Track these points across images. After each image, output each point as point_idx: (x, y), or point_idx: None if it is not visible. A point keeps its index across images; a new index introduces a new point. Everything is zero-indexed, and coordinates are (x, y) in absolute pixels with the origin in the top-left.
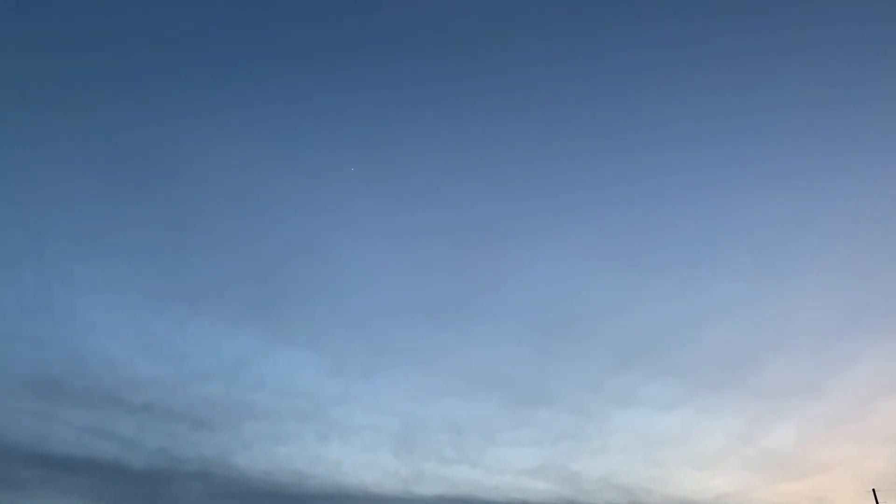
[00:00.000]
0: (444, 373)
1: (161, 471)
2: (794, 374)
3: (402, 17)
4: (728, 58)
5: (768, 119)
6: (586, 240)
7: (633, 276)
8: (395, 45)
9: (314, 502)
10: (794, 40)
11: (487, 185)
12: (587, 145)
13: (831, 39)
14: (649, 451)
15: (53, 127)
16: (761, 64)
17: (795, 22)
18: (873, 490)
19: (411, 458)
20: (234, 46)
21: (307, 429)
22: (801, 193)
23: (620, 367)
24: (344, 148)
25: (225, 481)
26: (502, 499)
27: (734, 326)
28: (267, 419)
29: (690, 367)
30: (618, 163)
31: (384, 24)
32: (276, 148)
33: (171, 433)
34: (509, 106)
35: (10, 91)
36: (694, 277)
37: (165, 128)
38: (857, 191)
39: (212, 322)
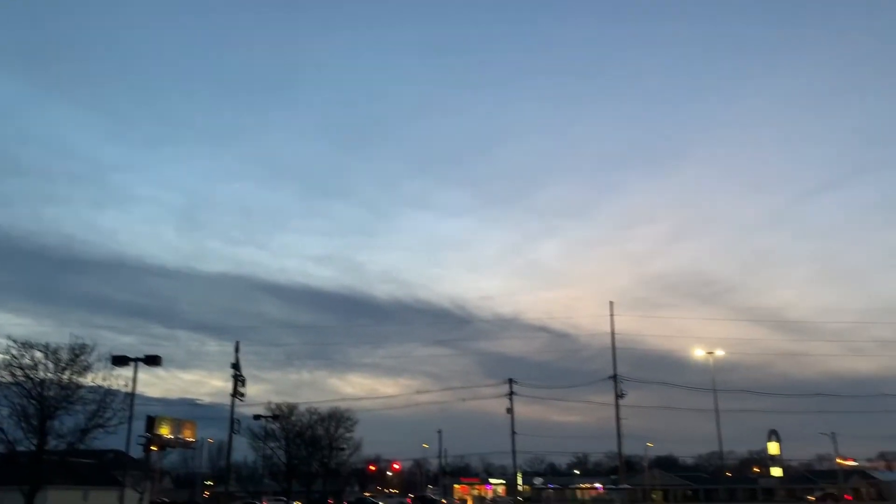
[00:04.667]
0: (240, 154)
1: None
2: (568, 197)
3: None
4: None
5: None
6: (399, 43)
7: (441, 84)
8: None
9: (86, 268)
10: None
11: None
12: None
13: None
14: (432, 252)
15: None
16: None
17: None
18: (611, 302)
19: (195, 235)
20: None
21: (81, 193)
22: (608, 30)
23: (416, 171)
24: None
25: None
26: (286, 281)
27: (526, 146)
28: (34, 177)
29: (481, 180)
30: None
31: None
32: None
33: None
34: None
35: None
36: (498, 94)
37: None
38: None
39: None
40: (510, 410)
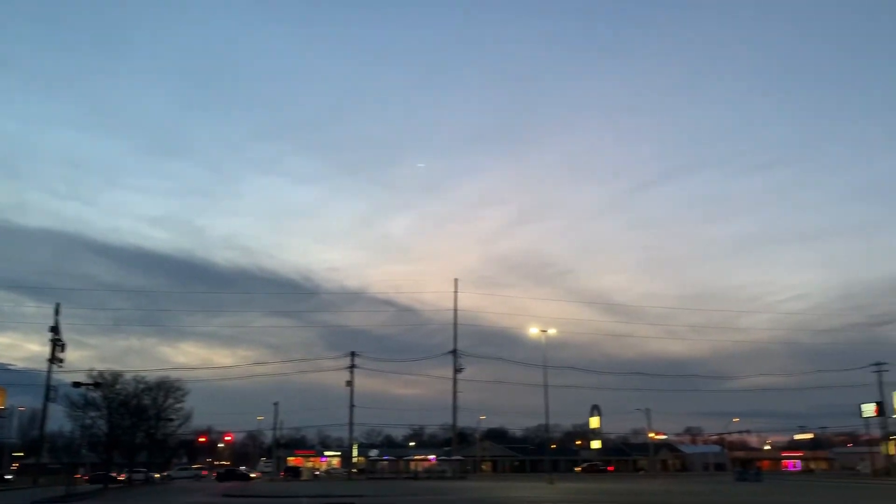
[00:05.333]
0: (69, 99)
1: None
2: (421, 173)
3: None
4: None
5: None
6: (260, 2)
7: (297, 47)
8: None
9: None
10: None
11: None
12: None
13: None
14: (279, 219)
15: None
16: None
17: None
18: (455, 279)
19: (14, 186)
20: None
21: None
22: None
23: (267, 134)
24: None
25: None
26: (118, 242)
27: (383, 118)
28: None
29: (335, 148)
30: None
31: None
32: None
33: None
34: None
35: None
36: (357, 63)
37: None
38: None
39: None
40: (350, 383)
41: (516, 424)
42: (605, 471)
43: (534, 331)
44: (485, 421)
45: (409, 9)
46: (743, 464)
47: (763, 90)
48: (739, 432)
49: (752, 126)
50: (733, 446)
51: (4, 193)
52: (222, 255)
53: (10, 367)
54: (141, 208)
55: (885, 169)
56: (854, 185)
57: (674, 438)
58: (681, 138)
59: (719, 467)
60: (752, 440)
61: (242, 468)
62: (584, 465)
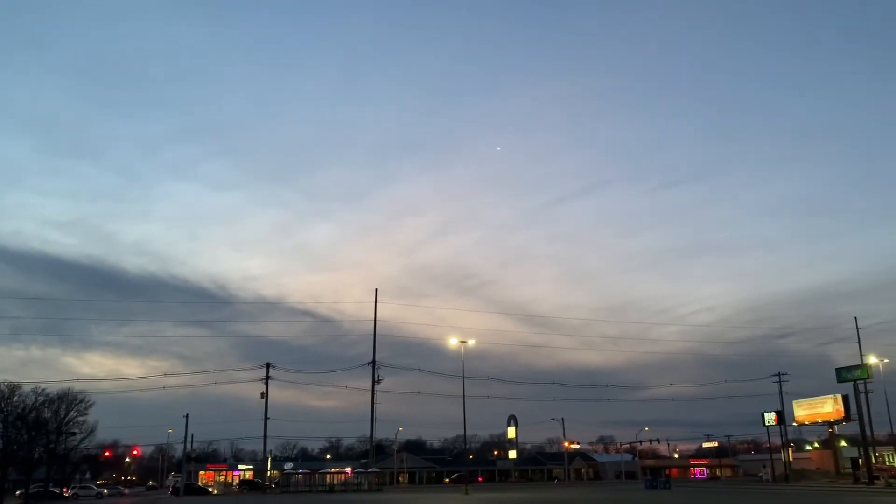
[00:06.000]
0: None
1: None
2: (342, 182)
3: None
4: None
5: None
6: (173, 2)
7: (213, 46)
8: None
9: None
10: None
11: None
12: None
13: None
14: (194, 226)
15: None
16: None
17: None
18: (375, 289)
19: None
20: None
21: None
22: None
23: (182, 138)
24: None
25: None
26: (18, 246)
27: (302, 125)
28: None
29: (253, 154)
30: None
31: None
32: None
33: None
34: None
35: None
36: (275, 69)
37: None
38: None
39: None
40: (265, 395)
41: (435, 435)
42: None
43: (453, 341)
44: (403, 432)
45: (329, 14)
46: (653, 472)
47: (673, 111)
48: (650, 441)
49: (664, 145)
50: (644, 454)
51: None
52: (133, 262)
53: None
54: (45, 212)
55: (788, 189)
56: (760, 203)
57: (587, 447)
58: (596, 156)
59: (630, 475)
60: (662, 448)
61: (174, 482)
62: (456, 475)
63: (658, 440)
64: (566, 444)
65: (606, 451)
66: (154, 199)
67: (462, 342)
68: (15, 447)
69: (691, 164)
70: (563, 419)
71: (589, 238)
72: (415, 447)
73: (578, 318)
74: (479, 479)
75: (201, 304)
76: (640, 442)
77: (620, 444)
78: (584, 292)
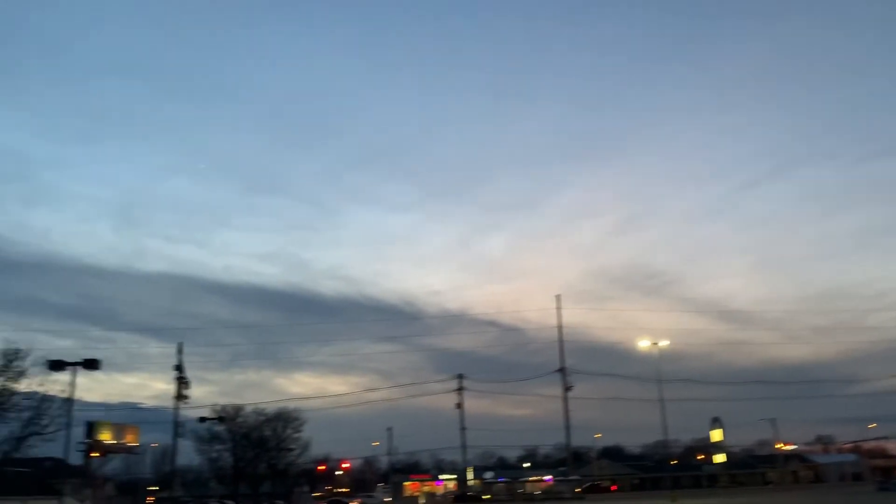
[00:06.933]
0: (176, 149)
1: None
2: (513, 191)
3: None
4: None
5: None
6: (335, 34)
7: (378, 76)
8: None
9: (18, 270)
10: None
11: None
12: None
13: None
14: (378, 247)
15: None
16: None
17: None
18: (557, 295)
19: (133, 234)
20: None
21: (9, 191)
22: (552, 25)
23: (359, 165)
24: None
25: None
26: (230, 280)
27: (469, 138)
28: None
29: (425, 174)
30: None
31: None
32: None
33: None
34: None
35: None
36: (436, 85)
37: None
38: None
39: None
40: (460, 405)
41: (633, 441)
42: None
43: (644, 344)
44: (600, 439)
45: (486, 25)
46: (884, 472)
47: (869, 72)
48: (877, 439)
49: (858, 115)
50: (871, 454)
51: (125, 242)
52: (328, 286)
53: (140, 405)
54: (249, 246)
55: None
56: None
57: (804, 448)
58: (782, 134)
59: (857, 477)
60: (893, 447)
61: (381, 492)
62: (587, 484)
63: (886, 438)
64: (780, 445)
65: (826, 451)
66: (341, 225)
67: (654, 344)
68: (243, 464)
69: (891, 133)
70: (773, 419)
71: (782, 223)
72: (613, 454)
73: (780, 310)
74: (613, 487)
75: (393, 321)
76: (866, 440)
77: (842, 444)
78: (783, 282)
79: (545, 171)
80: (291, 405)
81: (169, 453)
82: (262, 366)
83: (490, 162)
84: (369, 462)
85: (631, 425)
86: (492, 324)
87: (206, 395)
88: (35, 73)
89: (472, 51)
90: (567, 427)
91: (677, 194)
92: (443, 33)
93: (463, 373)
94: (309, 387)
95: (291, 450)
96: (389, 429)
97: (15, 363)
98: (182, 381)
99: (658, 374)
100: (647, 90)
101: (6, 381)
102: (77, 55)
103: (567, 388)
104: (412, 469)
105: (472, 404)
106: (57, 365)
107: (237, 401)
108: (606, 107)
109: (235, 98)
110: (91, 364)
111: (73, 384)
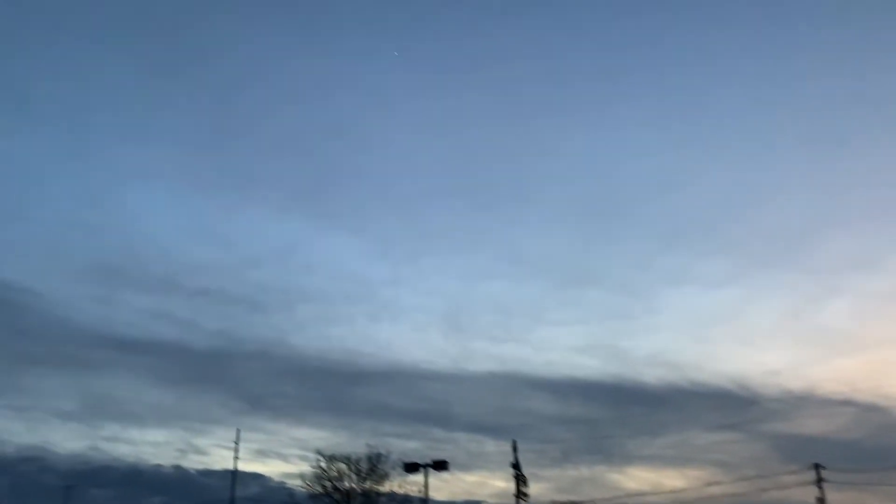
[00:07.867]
0: (490, 255)
1: (221, 351)
2: (849, 249)
3: None
4: None
5: None
6: (632, 116)
7: (683, 151)
8: None
9: (367, 379)
10: None
11: (531, 65)
12: (631, 20)
13: None
14: (698, 328)
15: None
16: None
17: None
18: None
19: (460, 338)
20: None
21: (357, 310)
22: (855, 66)
23: (669, 246)
24: (386, 32)
25: (282, 360)
26: (552, 375)
27: (787, 201)
28: (318, 301)
29: (741, 245)
30: (666, 39)
31: None
32: (316, 31)
33: (227, 316)
34: None
35: None
36: (746, 151)
37: (199, 7)
38: None
39: (259, 208)
40: (822, 500)
41: None
42: None
43: None
44: None
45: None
46: None
47: None
48: None
49: None
50: None
51: (454, 346)
52: (651, 374)
53: (483, 503)
54: (567, 340)
55: None
56: None
57: None
58: None
59: None
60: None
61: None
62: None
63: None
64: None
65: None
66: (656, 310)
67: None
68: None
69: None
70: None
71: None
72: None
73: None
74: None
75: (727, 406)
76: None
77: None
78: None
79: (883, 221)
80: (630, 502)
81: None
82: (593, 460)
83: (813, 220)
84: None
85: None
86: (846, 403)
87: (542, 491)
88: (370, 204)
89: (779, 102)
90: None
91: None
92: (745, 93)
93: (819, 462)
94: (643, 481)
95: None
96: None
97: (378, 466)
98: (520, 479)
99: None
100: None
101: (372, 483)
102: (401, 185)
103: None
104: None
105: (835, 498)
106: (411, 467)
107: (574, 497)
108: None
109: (538, 199)
110: (440, 465)
111: (426, 485)
